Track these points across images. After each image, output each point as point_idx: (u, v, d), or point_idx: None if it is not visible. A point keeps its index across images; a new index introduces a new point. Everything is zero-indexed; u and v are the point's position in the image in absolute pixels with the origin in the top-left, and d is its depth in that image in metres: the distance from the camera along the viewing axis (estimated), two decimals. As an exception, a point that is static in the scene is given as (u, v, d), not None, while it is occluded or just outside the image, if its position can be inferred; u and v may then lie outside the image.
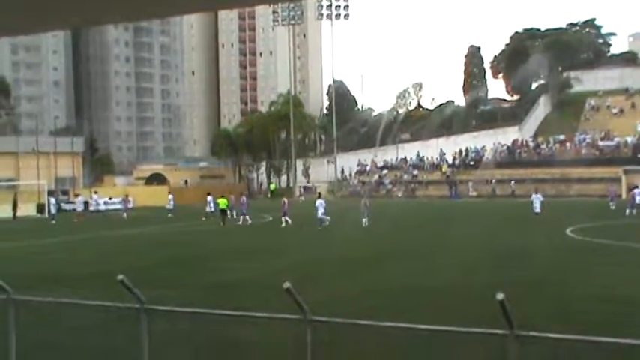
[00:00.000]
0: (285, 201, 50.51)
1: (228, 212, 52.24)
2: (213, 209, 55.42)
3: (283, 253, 32.23)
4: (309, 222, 46.68)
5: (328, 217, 46.45)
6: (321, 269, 25.85)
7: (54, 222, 57.89)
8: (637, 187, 53.69)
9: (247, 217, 50.68)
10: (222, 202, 50.21)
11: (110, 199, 74.03)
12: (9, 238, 42.58)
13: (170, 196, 60.72)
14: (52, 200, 64.98)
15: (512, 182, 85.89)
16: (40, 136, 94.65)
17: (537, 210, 47.58)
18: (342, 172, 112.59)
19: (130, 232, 47.20)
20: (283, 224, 47.30)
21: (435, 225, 48.98)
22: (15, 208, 63.62)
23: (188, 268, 27.19)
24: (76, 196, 64.86)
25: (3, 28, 16.42)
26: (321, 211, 45.79)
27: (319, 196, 49.41)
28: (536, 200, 48.26)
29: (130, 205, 61.04)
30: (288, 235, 43.03)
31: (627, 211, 50.33)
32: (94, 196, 69.81)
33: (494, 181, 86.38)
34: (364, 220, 45.61)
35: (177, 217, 58.15)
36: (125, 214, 60.87)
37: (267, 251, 33.29)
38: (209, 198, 56.83)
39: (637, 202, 51.46)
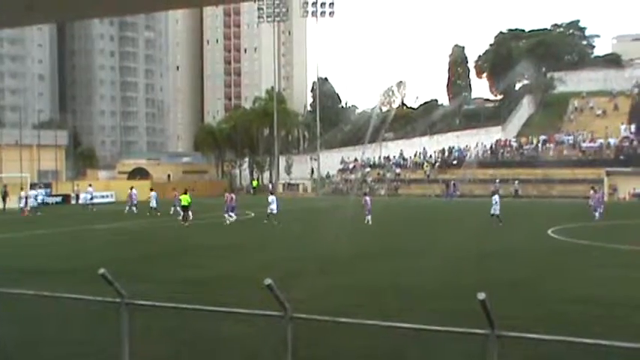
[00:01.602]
0: (233, 196, 49.48)
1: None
2: (155, 205, 55.79)
3: (271, 249, 32.24)
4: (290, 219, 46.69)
5: (275, 211, 46.99)
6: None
7: (39, 214, 58.47)
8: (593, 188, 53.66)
9: (229, 214, 48.42)
10: (185, 199, 48.06)
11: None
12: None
13: (152, 193, 59.25)
14: (33, 192, 65.82)
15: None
16: (24, 128, 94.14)
17: (496, 212, 44.52)
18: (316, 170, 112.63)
19: (121, 225, 47.03)
20: (227, 222, 47.05)
21: (426, 224, 49.15)
22: (5, 199, 63.40)
23: (168, 263, 27.12)
24: (21, 189, 63.25)
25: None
26: (272, 207, 46.86)
27: (272, 193, 50.89)
28: (494, 201, 45.22)
29: (135, 200, 58.91)
30: (277, 231, 43.02)
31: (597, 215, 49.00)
32: (89, 189, 70.23)
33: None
34: (368, 217, 45.40)
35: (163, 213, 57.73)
36: (134, 208, 58.91)
37: (252, 247, 33.28)
38: (152, 194, 57.43)
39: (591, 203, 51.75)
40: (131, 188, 61.51)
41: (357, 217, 46.42)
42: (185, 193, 48.49)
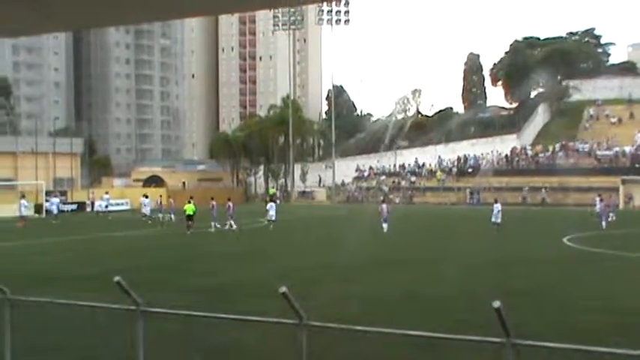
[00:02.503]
0: (230, 205, 49.28)
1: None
2: (149, 212, 56.35)
3: (286, 257, 32.23)
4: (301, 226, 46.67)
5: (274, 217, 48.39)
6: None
7: (55, 222, 58.26)
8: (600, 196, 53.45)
9: (232, 222, 48.61)
10: (189, 208, 46.92)
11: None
12: (18, 237, 43.03)
13: (146, 200, 58.24)
14: (56, 200, 66.65)
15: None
16: (40, 136, 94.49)
17: (497, 220, 44.27)
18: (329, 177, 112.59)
19: (137, 233, 47.13)
20: (227, 227, 47.81)
21: (443, 231, 49.04)
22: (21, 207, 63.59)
23: (182, 271, 27.16)
24: (23, 196, 62.78)
25: (6, 30, 16.42)
26: (271, 213, 48.34)
27: (271, 199, 53.03)
28: (496, 210, 44.81)
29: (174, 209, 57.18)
30: (292, 239, 43.03)
31: (603, 224, 48.20)
32: (105, 196, 70.89)
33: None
34: (384, 225, 45.19)
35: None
36: (172, 216, 57.88)
37: (267, 255, 33.30)
38: (146, 200, 57.76)
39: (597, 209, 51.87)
40: (145, 196, 60.92)
41: (373, 225, 46.36)
42: (189, 202, 47.57)
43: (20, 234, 46.99)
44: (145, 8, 12.78)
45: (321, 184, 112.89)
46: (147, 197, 59.21)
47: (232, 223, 48.32)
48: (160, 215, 54.34)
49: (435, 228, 52.64)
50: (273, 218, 48.25)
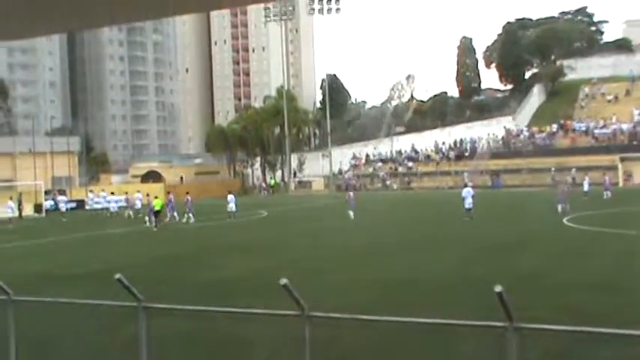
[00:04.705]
0: (189, 198, 50.39)
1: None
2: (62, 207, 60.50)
3: (283, 248, 32.24)
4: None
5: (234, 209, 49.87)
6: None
7: (65, 220, 58.80)
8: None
9: (191, 215, 49.49)
10: (157, 203, 47.34)
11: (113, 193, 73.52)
12: (27, 237, 43.22)
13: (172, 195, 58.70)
14: (63, 198, 68.34)
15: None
16: (37, 136, 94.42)
17: (469, 206, 42.41)
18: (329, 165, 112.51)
19: (136, 229, 47.12)
20: (184, 220, 48.93)
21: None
22: (20, 207, 63.64)
23: (185, 265, 27.19)
24: (10, 198, 62.91)
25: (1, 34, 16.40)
26: (231, 205, 49.69)
27: (229, 192, 52.43)
28: (468, 195, 42.91)
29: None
30: (288, 229, 43.08)
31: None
32: (102, 194, 72.55)
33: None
34: (350, 213, 45.41)
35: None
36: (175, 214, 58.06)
37: (265, 246, 33.30)
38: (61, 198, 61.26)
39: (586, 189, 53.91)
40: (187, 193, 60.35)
41: (367, 213, 46.45)
42: (157, 197, 48.82)
43: (43, 231, 47.65)
44: (138, 8, 12.78)
45: (329, 172, 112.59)
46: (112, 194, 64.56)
47: (191, 215, 49.42)
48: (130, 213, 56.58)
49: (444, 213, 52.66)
50: (233, 209, 49.76)
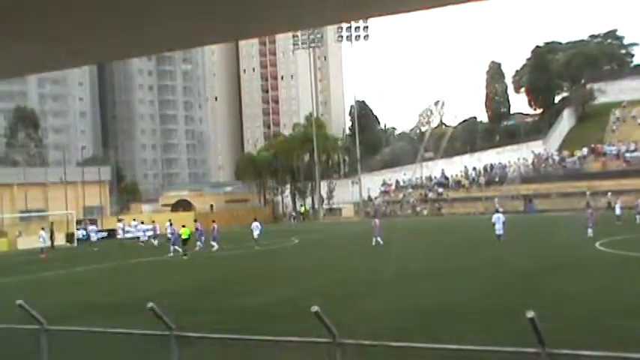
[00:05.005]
0: (215, 227, 51.12)
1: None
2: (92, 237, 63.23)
3: (314, 275, 32.19)
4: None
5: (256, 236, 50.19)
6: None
7: (96, 249, 59.38)
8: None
9: (214, 243, 49.77)
10: (185, 232, 47.54)
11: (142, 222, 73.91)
12: (59, 266, 43.69)
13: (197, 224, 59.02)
14: (94, 228, 69.43)
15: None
16: (68, 166, 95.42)
17: (500, 232, 42.01)
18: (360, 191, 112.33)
19: (166, 258, 47.33)
20: (215, 248, 49.22)
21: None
22: (52, 237, 64.18)
23: (216, 293, 27.24)
24: (42, 228, 63.32)
25: (31, 65, 16.63)
26: (256, 232, 50.21)
27: (255, 220, 52.53)
28: (499, 221, 42.52)
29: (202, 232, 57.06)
30: (318, 256, 43.04)
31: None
32: (133, 223, 72.85)
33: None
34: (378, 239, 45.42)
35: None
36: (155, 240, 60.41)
37: (295, 274, 33.27)
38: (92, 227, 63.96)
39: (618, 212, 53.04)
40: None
41: (397, 239, 46.28)
42: (184, 226, 48.70)
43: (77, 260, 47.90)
44: (168, 38, 12.91)
45: (359, 199, 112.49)
46: (142, 223, 65.63)
47: (214, 244, 49.69)
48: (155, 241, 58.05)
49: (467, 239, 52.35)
50: (256, 237, 50.04)
